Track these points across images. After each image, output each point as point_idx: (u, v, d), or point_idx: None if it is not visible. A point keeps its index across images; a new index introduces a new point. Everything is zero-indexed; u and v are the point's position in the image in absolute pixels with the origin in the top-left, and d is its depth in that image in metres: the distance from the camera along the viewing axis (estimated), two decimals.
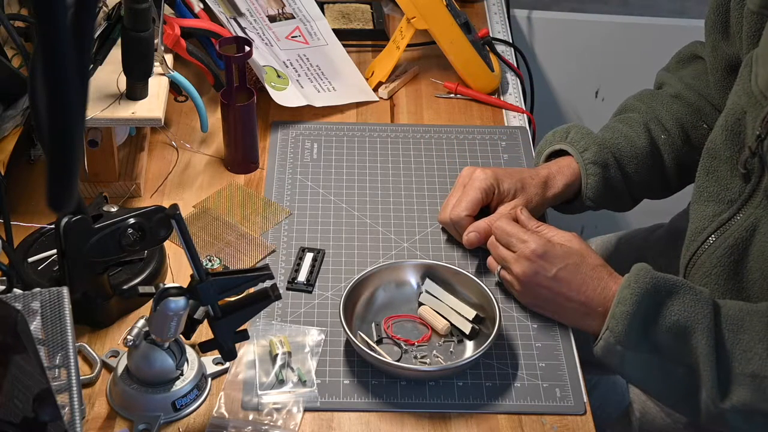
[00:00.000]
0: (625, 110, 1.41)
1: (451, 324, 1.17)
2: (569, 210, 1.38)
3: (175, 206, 1.01)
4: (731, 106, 1.16)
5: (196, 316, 1.02)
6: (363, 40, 1.73)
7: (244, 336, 1.04)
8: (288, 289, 1.22)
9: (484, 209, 1.29)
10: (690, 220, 1.23)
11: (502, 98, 1.62)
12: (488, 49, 1.66)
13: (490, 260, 1.23)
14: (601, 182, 1.32)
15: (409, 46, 1.60)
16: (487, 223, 1.24)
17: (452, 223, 1.27)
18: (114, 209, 1.10)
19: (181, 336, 1.04)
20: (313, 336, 1.15)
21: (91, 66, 1.28)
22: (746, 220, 1.15)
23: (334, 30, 1.67)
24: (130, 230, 1.07)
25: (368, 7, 1.80)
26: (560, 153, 1.37)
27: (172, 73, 1.34)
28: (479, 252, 1.28)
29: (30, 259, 1.19)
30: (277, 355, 1.11)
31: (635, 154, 1.34)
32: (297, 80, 1.55)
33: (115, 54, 1.27)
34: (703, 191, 1.20)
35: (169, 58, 1.37)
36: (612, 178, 1.33)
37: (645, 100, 1.40)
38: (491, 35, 1.76)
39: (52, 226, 1.10)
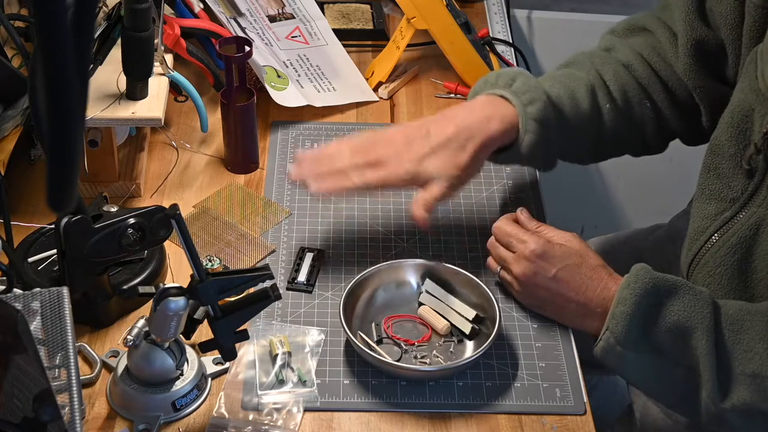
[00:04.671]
0: (574, 64, 1.35)
1: (451, 324, 1.17)
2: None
3: (175, 206, 1.01)
4: (737, 102, 1.14)
5: (196, 316, 1.02)
6: (363, 40, 1.73)
7: (244, 336, 1.04)
8: (288, 289, 1.22)
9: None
10: (692, 218, 1.22)
11: None
12: (488, 49, 1.65)
13: (489, 260, 1.23)
14: (539, 141, 1.24)
15: (409, 46, 1.60)
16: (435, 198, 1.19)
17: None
18: (114, 209, 1.10)
19: (181, 336, 1.04)
20: (313, 336, 1.15)
21: (91, 66, 1.28)
22: (750, 218, 1.13)
23: (334, 30, 1.67)
24: (130, 230, 1.07)
25: (368, 7, 1.80)
26: None
27: (172, 73, 1.34)
28: (479, 252, 1.28)
29: (30, 259, 1.19)
30: (277, 355, 1.11)
31: (576, 117, 1.27)
32: (297, 80, 1.55)
33: (115, 54, 1.27)
34: (705, 189, 1.19)
35: (169, 58, 1.37)
36: (549, 140, 1.26)
37: (596, 62, 1.33)
38: (491, 35, 1.76)
39: (52, 226, 1.10)
